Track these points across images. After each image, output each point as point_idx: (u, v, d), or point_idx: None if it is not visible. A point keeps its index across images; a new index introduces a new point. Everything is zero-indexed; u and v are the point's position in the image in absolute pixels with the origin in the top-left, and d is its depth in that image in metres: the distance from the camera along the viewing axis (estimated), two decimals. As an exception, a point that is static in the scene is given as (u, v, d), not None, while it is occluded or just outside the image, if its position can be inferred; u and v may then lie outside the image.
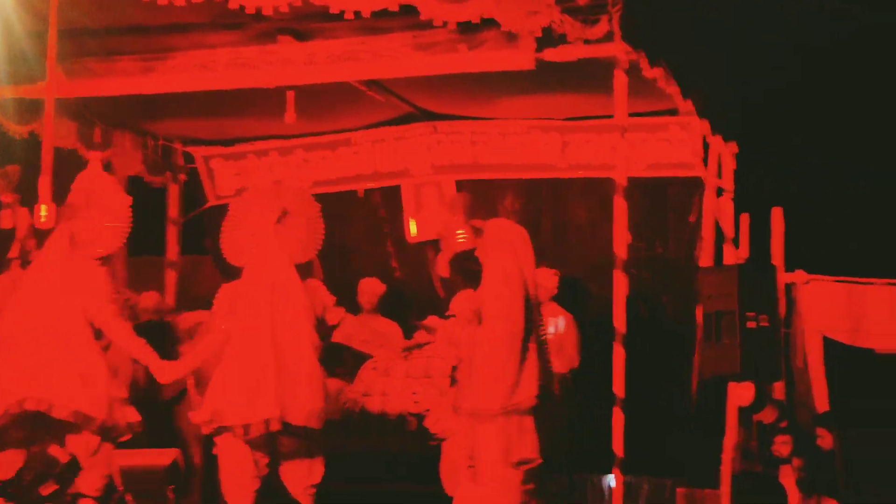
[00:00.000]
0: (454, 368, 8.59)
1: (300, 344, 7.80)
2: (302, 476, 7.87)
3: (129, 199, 8.14)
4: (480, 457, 7.69)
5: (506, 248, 7.83)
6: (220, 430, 7.70)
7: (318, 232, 8.20)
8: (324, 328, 8.13)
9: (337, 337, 8.90)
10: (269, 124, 10.63)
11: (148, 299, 9.58)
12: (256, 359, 7.70)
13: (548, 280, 10.15)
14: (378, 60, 8.84)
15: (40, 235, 8.09)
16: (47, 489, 7.09)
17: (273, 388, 7.63)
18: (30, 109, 9.62)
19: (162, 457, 7.57)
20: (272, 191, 8.21)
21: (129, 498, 7.44)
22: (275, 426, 7.57)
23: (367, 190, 11.28)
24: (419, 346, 9.14)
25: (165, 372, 7.88)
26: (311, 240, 8.15)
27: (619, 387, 7.97)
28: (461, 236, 8.61)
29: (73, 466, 7.31)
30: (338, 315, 8.09)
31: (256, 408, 7.60)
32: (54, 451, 7.19)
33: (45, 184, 7.59)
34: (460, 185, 10.99)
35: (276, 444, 7.80)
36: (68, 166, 9.45)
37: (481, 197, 10.98)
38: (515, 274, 7.72)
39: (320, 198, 11.15)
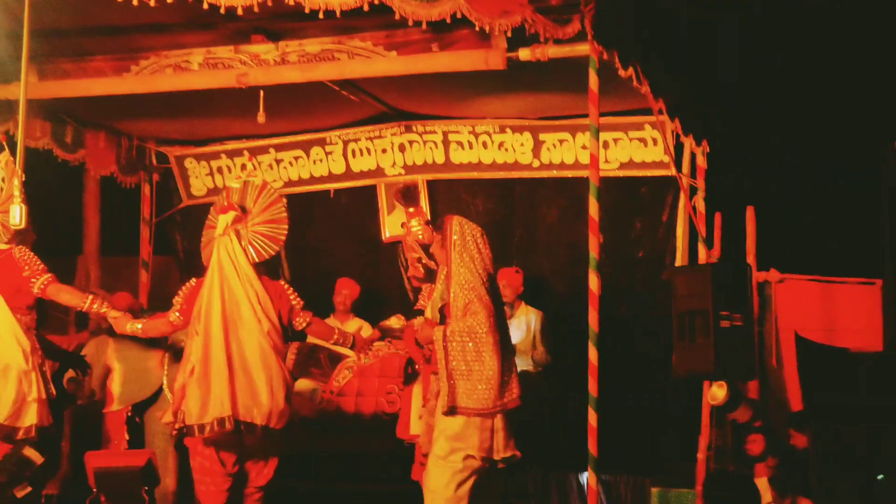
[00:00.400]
0: (409, 366, 8.62)
1: (257, 344, 7.79)
2: (252, 477, 7.89)
3: None
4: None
5: (469, 243, 7.85)
6: (183, 431, 7.72)
7: (281, 230, 8.14)
8: (292, 331, 8.13)
9: (311, 337, 8.89)
10: (242, 124, 10.62)
11: (121, 299, 9.53)
12: (213, 359, 7.72)
13: (514, 279, 10.19)
14: (351, 60, 8.85)
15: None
16: (21, 491, 7.06)
17: (227, 387, 7.65)
18: (3, 110, 9.59)
19: (136, 458, 7.54)
20: (237, 190, 8.18)
21: (103, 499, 7.42)
22: (228, 426, 7.58)
23: (338, 190, 11.27)
24: (371, 342, 9.09)
25: (119, 321, 8.21)
26: (272, 238, 8.10)
27: (593, 386, 8.00)
28: (415, 226, 8.64)
29: (47, 468, 7.29)
30: (303, 320, 8.08)
31: (210, 408, 7.62)
32: (29, 452, 7.16)
33: (17, 185, 7.55)
34: (433, 185, 11.00)
35: (243, 444, 7.81)
36: (42, 167, 9.45)
37: (454, 197, 11.06)
38: (481, 272, 7.75)
39: (293, 198, 11.29)
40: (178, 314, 8.05)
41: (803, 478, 8.23)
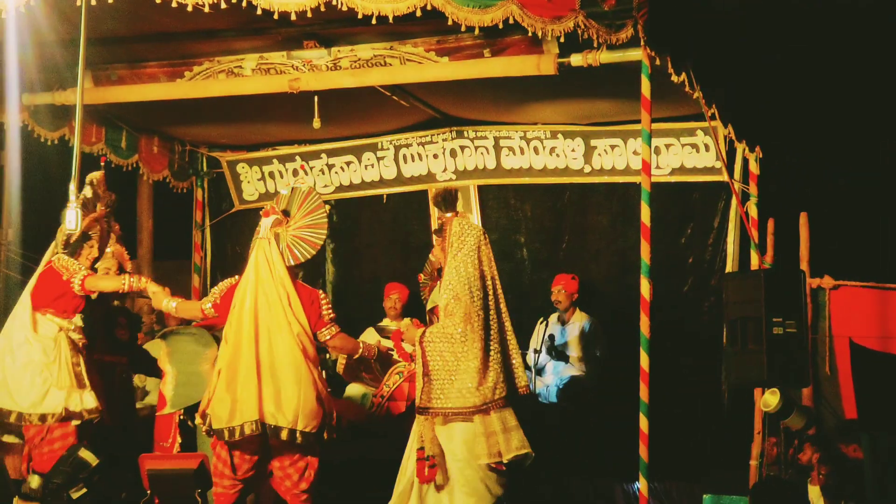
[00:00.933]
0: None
1: (287, 347, 7.82)
2: (293, 482, 7.90)
3: None
4: (452, 456, 7.72)
5: (465, 246, 7.85)
6: (210, 434, 7.79)
7: (319, 234, 8.16)
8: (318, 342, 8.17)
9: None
10: (294, 129, 10.68)
11: (174, 304, 9.61)
12: (241, 363, 7.78)
13: (570, 284, 10.18)
14: (403, 66, 8.88)
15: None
16: (77, 492, 7.13)
17: (256, 391, 7.70)
18: (60, 115, 9.71)
19: (189, 460, 7.60)
20: (285, 196, 8.24)
21: (156, 501, 7.48)
22: (255, 429, 7.64)
23: (390, 195, 11.30)
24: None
25: (158, 296, 8.33)
26: (310, 242, 8.13)
27: (644, 392, 7.98)
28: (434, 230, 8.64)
29: (102, 470, 7.36)
30: (328, 332, 8.03)
31: (238, 413, 7.68)
32: (84, 454, 7.23)
33: (73, 189, 7.64)
34: (483, 190, 11.01)
35: (267, 448, 7.85)
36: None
37: (502, 202, 11.06)
38: (474, 273, 7.76)
39: (344, 202, 11.34)
40: (210, 306, 8.11)
41: (856, 486, 8.15)
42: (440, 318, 7.76)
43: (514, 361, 7.79)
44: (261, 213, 8.24)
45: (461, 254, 7.82)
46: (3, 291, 10.88)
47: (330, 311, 8.09)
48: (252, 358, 7.79)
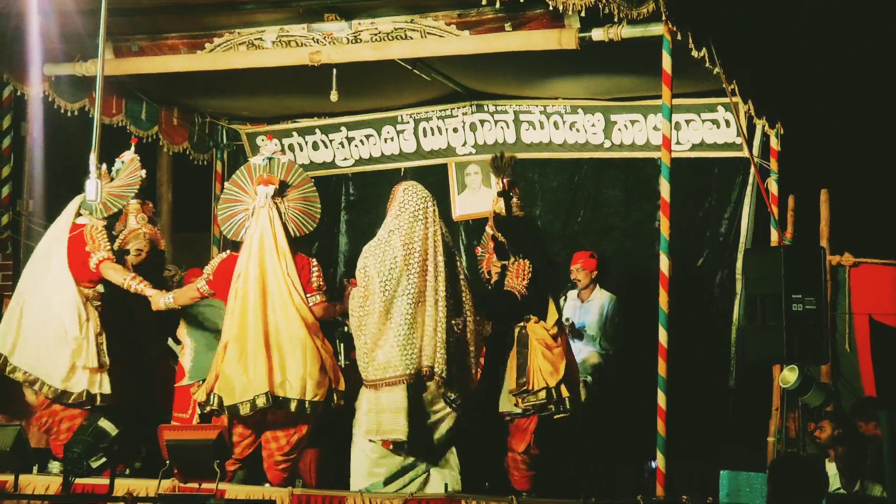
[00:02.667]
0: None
1: (290, 317, 7.92)
2: (279, 445, 8.04)
3: None
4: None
5: (401, 214, 7.94)
6: (215, 412, 7.94)
7: (315, 208, 8.31)
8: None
9: None
10: (314, 102, 10.67)
11: (193, 275, 9.64)
12: (250, 335, 7.87)
13: (588, 262, 10.16)
14: (423, 39, 8.87)
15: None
16: (97, 462, 7.17)
17: (265, 363, 7.83)
18: (80, 86, 9.73)
19: (208, 431, 7.62)
20: (262, 166, 8.28)
21: (175, 471, 7.51)
22: (267, 402, 7.78)
23: (407, 169, 11.30)
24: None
25: (154, 300, 8.41)
26: (310, 215, 8.27)
27: (662, 367, 7.98)
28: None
29: (122, 439, 7.39)
30: (311, 301, 8.06)
31: (249, 387, 7.81)
32: (104, 424, 7.27)
33: (94, 160, 7.65)
34: (503, 164, 11.00)
35: (264, 424, 7.99)
36: (117, 143, 9.58)
37: (521, 176, 11.03)
38: (398, 247, 7.83)
39: (362, 175, 11.35)
40: (205, 283, 8.22)
41: (874, 463, 8.16)
42: (359, 283, 7.89)
43: (433, 340, 7.77)
44: (235, 182, 8.33)
45: (390, 224, 7.93)
46: (24, 262, 10.93)
47: (320, 279, 8.17)
48: (261, 329, 7.87)
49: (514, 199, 8.58)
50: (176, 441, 7.48)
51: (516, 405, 8.10)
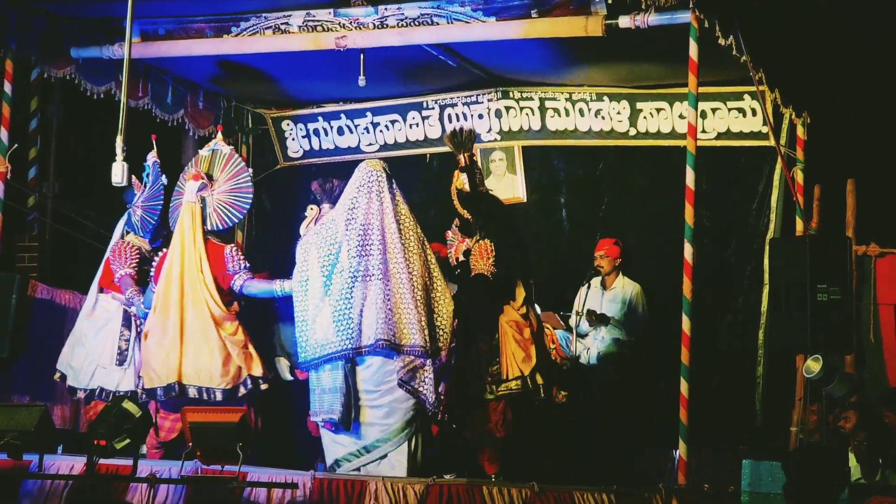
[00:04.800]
0: None
1: (199, 309, 8.31)
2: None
3: None
4: None
5: (350, 188, 8.10)
6: (144, 395, 8.36)
7: (244, 199, 8.59)
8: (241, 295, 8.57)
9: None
10: (339, 87, 10.68)
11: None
12: (169, 326, 8.29)
13: (612, 250, 10.15)
14: (450, 25, 8.87)
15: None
16: (120, 443, 7.22)
17: (178, 354, 8.25)
18: (107, 69, 9.75)
19: (231, 414, 7.66)
20: (206, 158, 8.62)
21: (198, 452, 7.54)
22: (176, 392, 8.21)
23: (433, 154, 11.29)
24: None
25: (137, 307, 8.79)
26: (236, 206, 8.55)
27: (685, 355, 7.97)
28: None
29: (146, 420, 7.44)
30: (240, 280, 8.45)
31: (162, 374, 8.23)
32: (128, 405, 7.31)
33: (119, 142, 7.67)
34: (527, 151, 10.98)
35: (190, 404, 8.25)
36: (142, 126, 9.61)
37: (546, 163, 11.02)
38: (331, 226, 8.01)
39: (387, 161, 11.32)
40: (153, 282, 8.58)
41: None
42: None
43: (380, 315, 7.86)
44: (186, 176, 8.62)
45: (339, 202, 8.13)
46: (50, 243, 11.00)
47: (236, 262, 8.48)
48: (178, 322, 8.30)
49: (478, 175, 8.54)
50: (199, 423, 7.52)
51: (490, 392, 8.08)
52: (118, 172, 7.76)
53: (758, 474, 8.03)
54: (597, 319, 9.92)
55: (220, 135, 8.83)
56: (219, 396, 8.25)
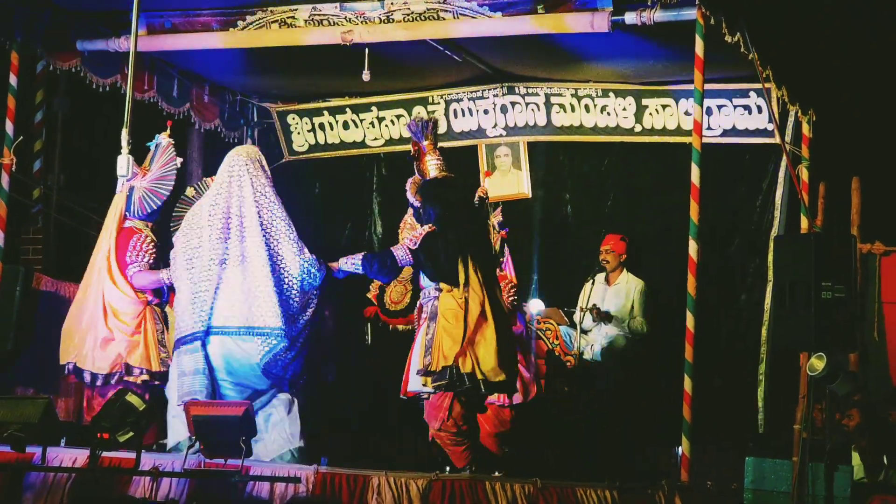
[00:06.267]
0: None
1: (98, 297, 8.70)
2: None
3: None
4: None
5: (218, 175, 8.43)
6: None
7: (165, 186, 8.86)
8: None
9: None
10: (346, 82, 10.67)
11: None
12: (83, 308, 8.74)
13: (618, 245, 10.15)
14: (456, 20, 8.86)
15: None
16: (124, 436, 7.22)
17: (79, 337, 8.71)
18: (113, 62, 9.75)
19: (234, 408, 7.66)
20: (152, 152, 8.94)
21: (201, 446, 7.55)
22: (73, 371, 8.69)
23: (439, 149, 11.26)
24: None
25: None
26: (156, 193, 8.81)
27: (689, 352, 7.97)
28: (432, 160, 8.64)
29: (149, 414, 7.44)
30: (130, 272, 8.74)
31: (68, 354, 8.74)
32: (131, 398, 7.32)
33: (125, 135, 7.68)
34: (532, 147, 10.98)
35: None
36: (148, 119, 9.61)
37: (551, 158, 11.01)
38: (201, 210, 8.31)
39: (393, 156, 11.33)
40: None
41: (900, 452, 8.14)
42: None
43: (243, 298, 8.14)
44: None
45: (215, 185, 8.42)
46: (55, 236, 11.01)
47: (133, 253, 8.76)
48: (83, 306, 8.72)
49: (437, 161, 8.48)
50: (202, 417, 7.52)
51: (425, 385, 8.00)
52: (123, 165, 7.76)
53: (761, 472, 8.06)
54: (600, 316, 9.92)
55: (168, 131, 9.03)
56: (99, 382, 8.60)
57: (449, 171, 8.49)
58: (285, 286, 8.17)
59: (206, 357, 8.16)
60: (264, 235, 8.22)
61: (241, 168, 8.42)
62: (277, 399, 8.24)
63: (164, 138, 8.95)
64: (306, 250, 8.31)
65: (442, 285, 8.03)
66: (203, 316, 8.16)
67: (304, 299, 8.22)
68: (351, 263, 8.34)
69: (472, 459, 8.00)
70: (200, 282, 8.21)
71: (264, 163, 8.62)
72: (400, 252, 8.19)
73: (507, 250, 9.13)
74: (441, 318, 7.95)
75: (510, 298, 8.79)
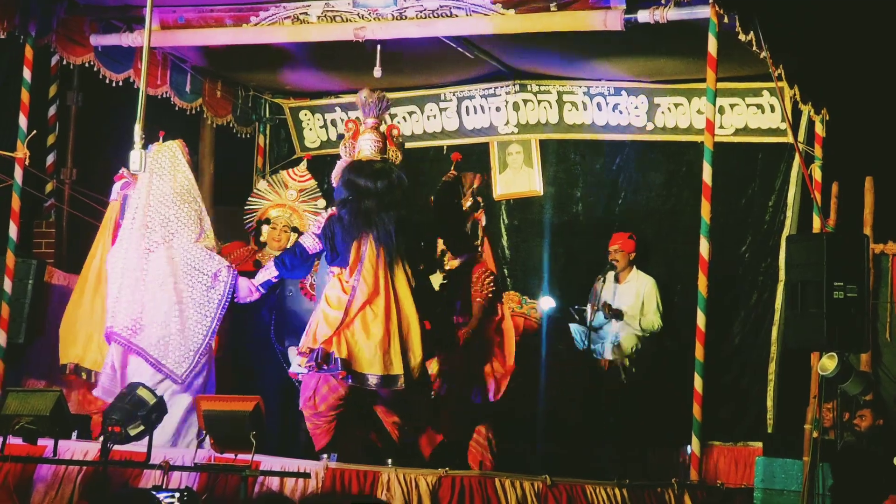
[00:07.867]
0: None
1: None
2: None
3: None
4: None
5: (154, 170, 8.59)
6: None
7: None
8: None
9: None
10: (357, 78, 10.67)
11: (233, 247, 9.71)
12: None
13: (627, 244, 10.14)
14: (469, 17, 8.86)
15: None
16: (135, 429, 7.24)
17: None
18: (126, 57, 9.77)
19: (245, 402, 7.67)
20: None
21: (211, 441, 7.56)
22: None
23: (450, 147, 11.27)
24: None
25: None
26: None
27: (700, 351, 7.96)
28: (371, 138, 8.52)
29: (160, 407, 7.46)
30: None
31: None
32: (142, 392, 7.33)
33: (138, 130, 7.69)
34: (544, 144, 10.97)
35: None
36: (161, 114, 9.63)
37: (562, 156, 10.99)
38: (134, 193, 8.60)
39: (405, 153, 11.32)
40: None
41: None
42: None
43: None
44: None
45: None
46: (67, 230, 11.03)
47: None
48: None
49: (375, 143, 8.37)
50: (212, 411, 7.53)
51: (300, 365, 8.05)
52: (136, 160, 7.77)
53: (771, 471, 8.04)
54: (611, 312, 9.92)
55: (160, 140, 8.96)
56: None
57: (384, 156, 8.34)
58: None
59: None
60: (178, 226, 8.68)
61: (157, 160, 8.70)
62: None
63: (155, 146, 8.87)
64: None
65: (334, 268, 8.04)
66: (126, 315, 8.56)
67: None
68: (266, 272, 8.59)
69: (329, 445, 8.03)
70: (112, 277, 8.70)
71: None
72: (308, 241, 8.34)
73: (486, 239, 8.92)
74: (323, 300, 7.98)
75: (488, 289, 8.64)
